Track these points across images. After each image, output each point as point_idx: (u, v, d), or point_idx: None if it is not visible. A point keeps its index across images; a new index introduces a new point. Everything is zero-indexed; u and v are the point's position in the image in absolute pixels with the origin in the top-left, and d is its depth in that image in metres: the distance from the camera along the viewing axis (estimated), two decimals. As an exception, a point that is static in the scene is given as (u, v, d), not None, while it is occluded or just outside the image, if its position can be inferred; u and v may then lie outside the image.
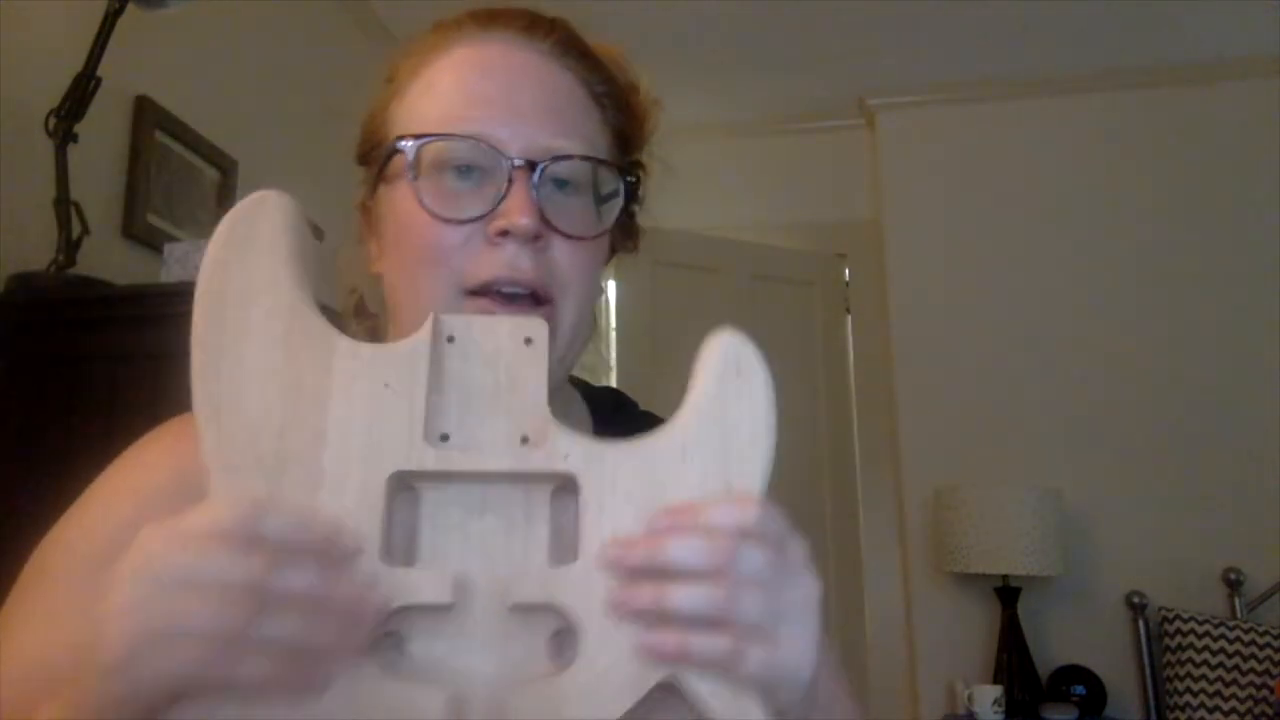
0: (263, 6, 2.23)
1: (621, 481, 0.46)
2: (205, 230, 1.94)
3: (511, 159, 0.60)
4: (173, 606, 0.38)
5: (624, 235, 0.72)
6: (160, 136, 1.84)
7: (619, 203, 0.66)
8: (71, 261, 1.48)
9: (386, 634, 0.44)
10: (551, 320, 0.61)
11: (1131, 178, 3.01)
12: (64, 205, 1.48)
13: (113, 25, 1.49)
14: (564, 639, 0.45)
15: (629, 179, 0.66)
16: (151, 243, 1.76)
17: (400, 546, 0.45)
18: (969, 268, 3.06)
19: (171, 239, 1.74)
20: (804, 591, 0.45)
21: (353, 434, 0.45)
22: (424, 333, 0.48)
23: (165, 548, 0.39)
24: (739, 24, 2.80)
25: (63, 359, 1.41)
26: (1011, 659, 2.60)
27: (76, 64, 1.49)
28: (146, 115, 1.80)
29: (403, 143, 0.61)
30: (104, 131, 1.68)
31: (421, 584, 0.44)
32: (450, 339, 0.48)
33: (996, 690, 2.52)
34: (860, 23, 2.81)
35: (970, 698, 2.55)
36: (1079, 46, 2.91)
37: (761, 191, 3.38)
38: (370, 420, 0.45)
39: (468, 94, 0.62)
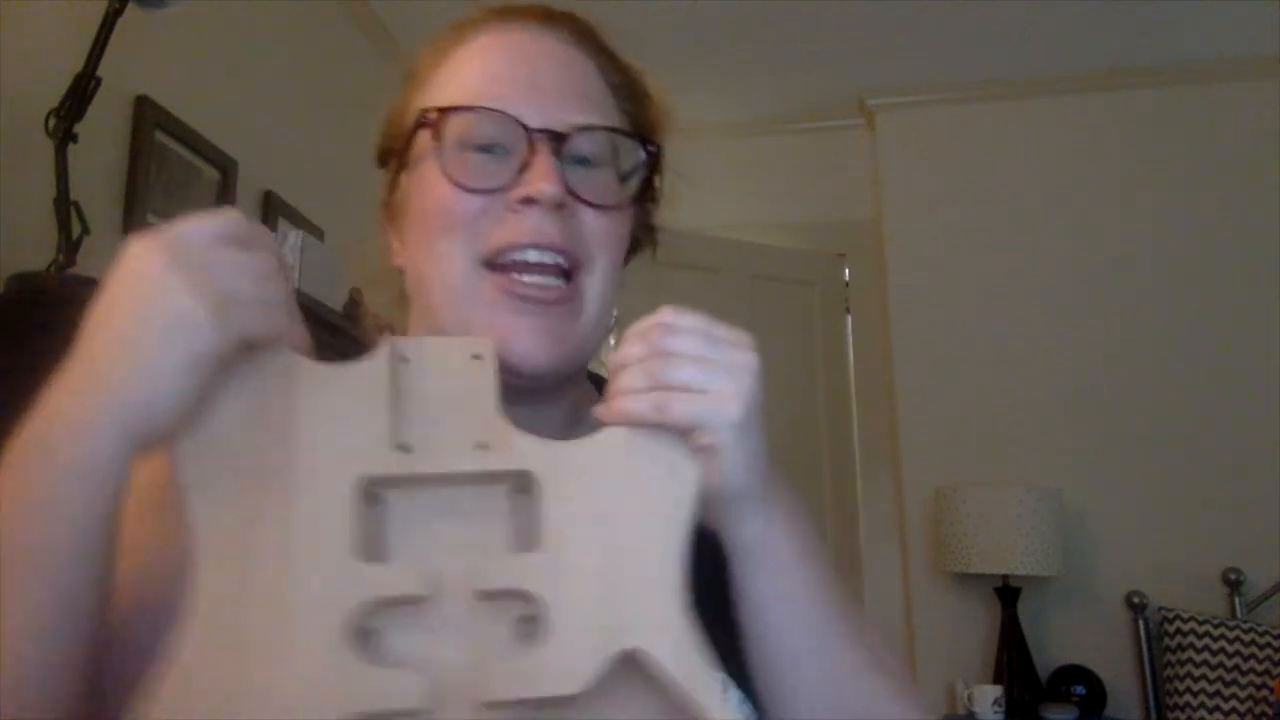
0: (263, 7, 2.23)
1: (575, 475, 0.50)
2: (205, 230, 1.93)
3: (534, 129, 0.61)
4: (234, 283, 0.47)
5: (645, 228, 0.72)
6: (160, 136, 1.84)
7: (641, 175, 0.67)
8: (71, 261, 1.48)
9: (363, 630, 0.46)
10: (577, 293, 0.62)
11: (1131, 178, 3.01)
12: (64, 205, 1.48)
13: (113, 25, 1.49)
14: (526, 626, 0.48)
15: (650, 148, 0.67)
16: (151, 243, 1.75)
17: (374, 551, 0.48)
18: (969, 268, 3.06)
19: (171, 239, 1.74)
20: (729, 357, 0.53)
21: (321, 446, 0.48)
22: (380, 352, 0.51)
23: (191, 243, 0.49)
24: (739, 24, 2.80)
25: (63, 359, 1.41)
26: (1011, 659, 2.60)
27: (76, 64, 1.49)
28: (146, 115, 1.80)
29: (429, 115, 0.62)
30: (104, 131, 1.68)
31: (395, 578, 0.47)
32: (405, 360, 0.51)
33: (996, 690, 2.53)
34: (860, 23, 2.80)
35: (970, 698, 2.55)
36: (1079, 46, 2.91)
37: (761, 191, 3.38)
38: (337, 433, 0.48)
39: (490, 73, 0.64)
